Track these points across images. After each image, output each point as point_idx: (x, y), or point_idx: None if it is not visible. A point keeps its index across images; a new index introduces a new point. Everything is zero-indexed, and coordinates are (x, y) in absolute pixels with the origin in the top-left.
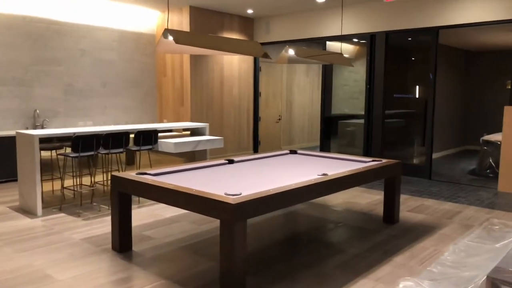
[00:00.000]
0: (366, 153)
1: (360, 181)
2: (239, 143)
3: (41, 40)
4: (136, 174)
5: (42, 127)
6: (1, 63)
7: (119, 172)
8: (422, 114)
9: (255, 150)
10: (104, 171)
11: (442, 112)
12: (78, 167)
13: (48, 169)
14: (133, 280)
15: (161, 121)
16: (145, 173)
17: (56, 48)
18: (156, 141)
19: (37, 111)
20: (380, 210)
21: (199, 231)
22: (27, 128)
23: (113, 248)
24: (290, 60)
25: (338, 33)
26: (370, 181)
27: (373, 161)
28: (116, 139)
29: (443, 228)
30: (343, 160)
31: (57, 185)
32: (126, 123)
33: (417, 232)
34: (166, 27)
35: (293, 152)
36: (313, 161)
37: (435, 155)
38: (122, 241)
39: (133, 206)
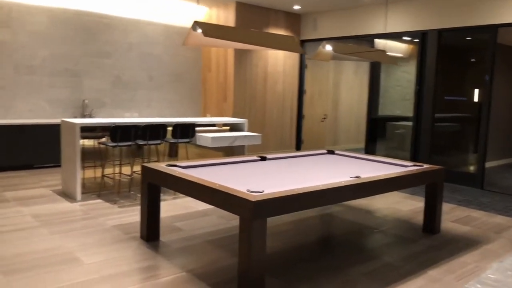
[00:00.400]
0: (413, 157)
1: (396, 186)
2: (281, 141)
3: (91, 33)
4: (166, 165)
5: (90, 117)
6: (56, 55)
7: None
8: (476, 118)
9: (298, 149)
10: (146, 161)
11: (499, 116)
12: (119, 157)
13: (91, 157)
14: (155, 269)
15: (204, 116)
16: (175, 165)
17: (106, 41)
18: (193, 135)
19: (86, 101)
20: (421, 218)
21: (228, 226)
22: (75, 117)
23: (141, 237)
24: (329, 57)
25: (386, 31)
26: (407, 186)
27: (414, 165)
28: (154, 131)
29: (489, 243)
30: (382, 163)
31: (99, 172)
32: (171, 117)
33: (459, 245)
34: (196, 20)
35: (331, 152)
36: (350, 162)
37: (491, 164)
38: (149, 230)
39: (168, 197)
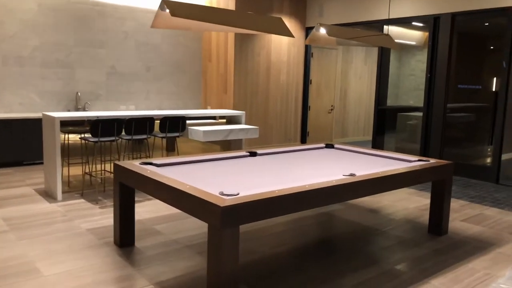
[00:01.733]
0: (423, 150)
1: (396, 184)
2: (286, 134)
3: (84, 21)
4: (140, 163)
5: (84, 110)
6: (47, 45)
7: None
8: (492, 108)
9: (303, 142)
10: (135, 157)
11: None
12: (106, 152)
13: (77, 153)
14: (120, 281)
15: (205, 108)
16: (150, 163)
17: (99, 30)
18: (184, 128)
19: (79, 93)
20: (427, 217)
21: None
22: (68, 110)
23: (115, 242)
24: (327, 42)
25: (394, 16)
26: (410, 184)
27: (419, 160)
28: (140, 125)
29: (502, 246)
30: (385, 158)
31: (86, 169)
32: (170, 109)
33: (468, 249)
34: None
35: (329, 146)
36: (349, 157)
37: (507, 156)
38: (123, 236)
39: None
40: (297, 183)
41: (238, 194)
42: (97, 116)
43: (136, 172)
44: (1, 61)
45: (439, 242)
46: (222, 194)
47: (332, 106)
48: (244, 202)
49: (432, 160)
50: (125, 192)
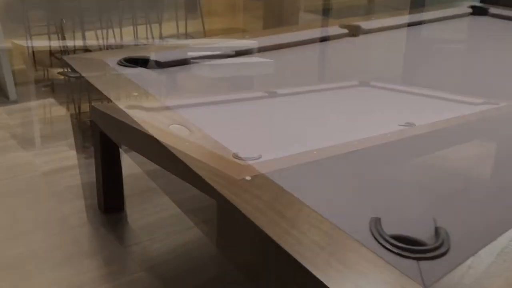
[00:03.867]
0: None
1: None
2: None
3: None
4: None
5: None
6: None
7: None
8: None
9: None
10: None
11: None
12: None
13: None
14: (101, 266)
15: None
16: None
17: None
18: None
19: None
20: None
21: None
22: None
23: (99, 207)
24: None
25: None
26: None
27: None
28: None
29: None
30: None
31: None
32: None
33: None
34: None
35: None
36: (392, 99)
37: None
38: (107, 200)
39: None
40: (335, 139)
41: (260, 157)
42: None
43: (122, 122)
44: None
45: None
46: (237, 157)
47: None
48: (272, 171)
49: None
50: (109, 145)
